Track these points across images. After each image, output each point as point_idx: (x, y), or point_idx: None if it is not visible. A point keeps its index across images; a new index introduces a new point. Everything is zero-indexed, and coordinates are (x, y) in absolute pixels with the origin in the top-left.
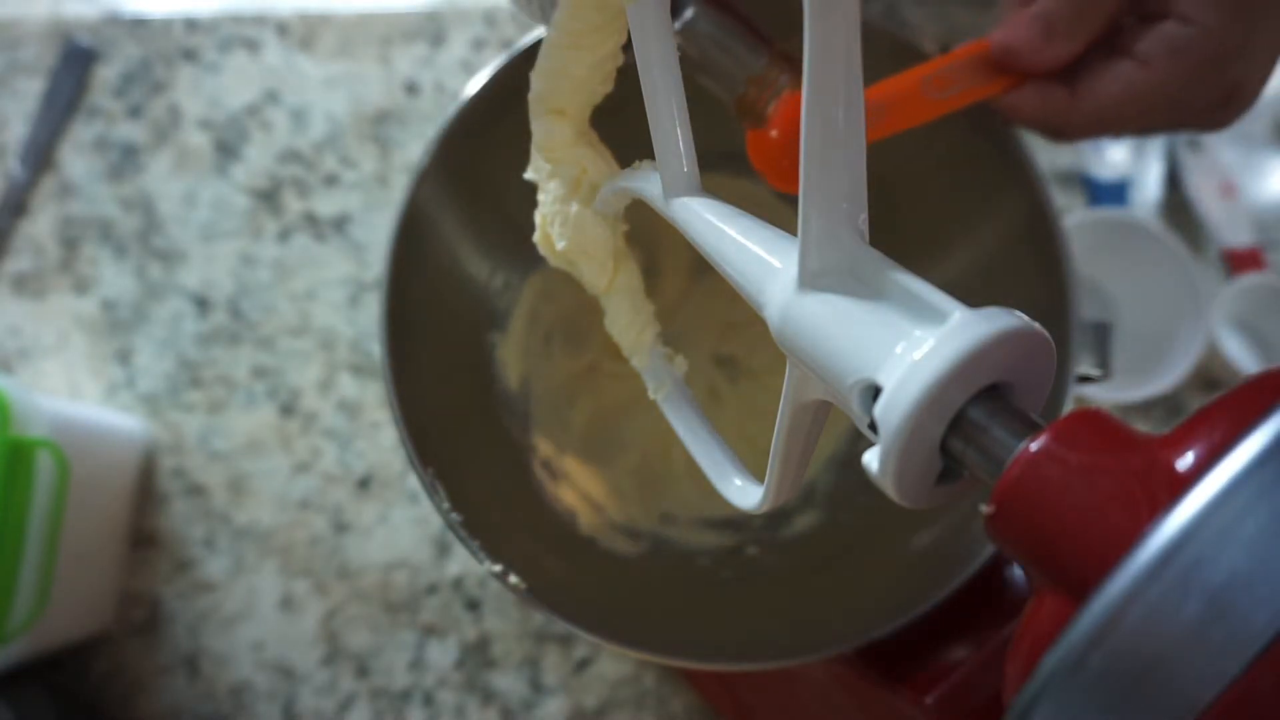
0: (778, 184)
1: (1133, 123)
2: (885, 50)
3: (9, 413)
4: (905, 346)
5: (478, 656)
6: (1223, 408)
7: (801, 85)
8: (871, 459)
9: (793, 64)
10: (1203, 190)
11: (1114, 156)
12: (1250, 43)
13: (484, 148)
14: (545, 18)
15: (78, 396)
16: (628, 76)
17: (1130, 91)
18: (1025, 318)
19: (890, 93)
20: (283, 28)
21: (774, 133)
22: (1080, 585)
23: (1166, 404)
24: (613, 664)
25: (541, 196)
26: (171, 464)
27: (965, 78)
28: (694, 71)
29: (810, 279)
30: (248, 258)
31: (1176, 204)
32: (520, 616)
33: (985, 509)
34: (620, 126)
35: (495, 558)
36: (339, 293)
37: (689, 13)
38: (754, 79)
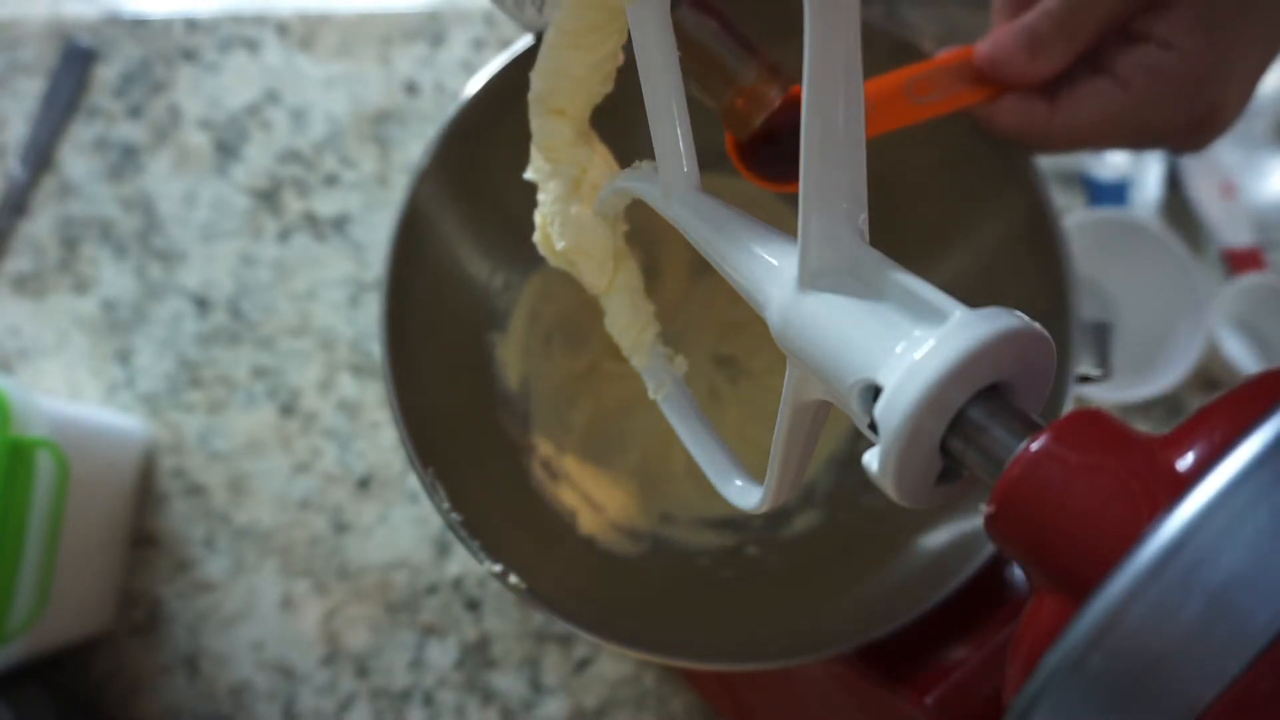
0: (750, 179)
1: (1110, 140)
2: (885, 50)
3: (9, 413)
4: (905, 346)
5: (478, 656)
6: (1223, 408)
7: (789, 97)
8: (871, 459)
9: (780, 76)
10: (1203, 190)
11: (1114, 156)
12: (1227, 68)
13: (484, 148)
14: (527, 22)
15: (78, 396)
16: (627, 76)
17: (1108, 110)
18: (1025, 318)
19: (873, 94)
20: (283, 28)
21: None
22: (1080, 585)
23: (1166, 404)
24: (613, 664)
25: (541, 196)
26: (171, 464)
27: (948, 84)
28: (692, 84)
29: (810, 279)
30: (248, 258)
31: (1176, 204)
32: (520, 616)
33: (985, 509)
34: (620, 126)
35: (495, 558)
36: (339, 293)
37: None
38: (744, 90)
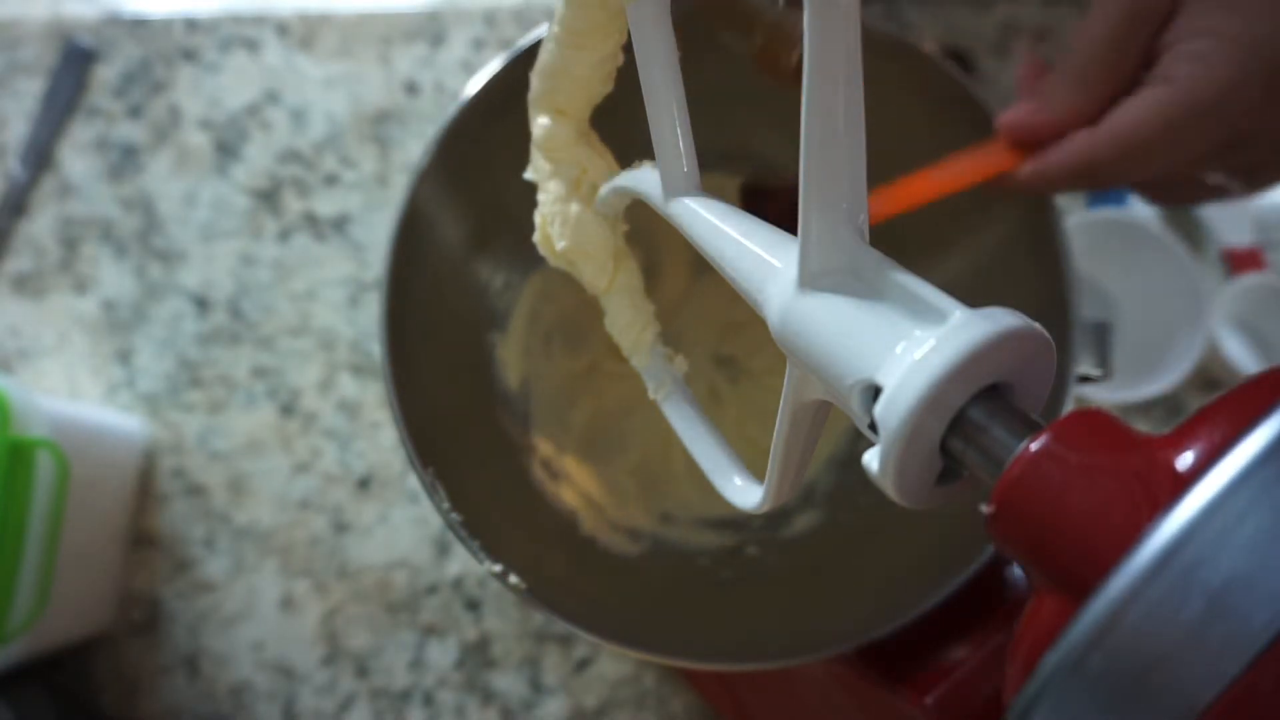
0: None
1: (1168, 150)
2: (885, 50)
3: (9, 413)
4: (905, 346)
5: (478, 656)
6: (1223, 408)
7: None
8: (871, 459)
9: None
10: None
11: None
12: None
13: (484, 148)
14: None
15: (78, 396)
16: (627, 76)
17: (1157, 107)
18: (1025, 318)
19: (902, 194)
20: (283, 28)
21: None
22: (1080, 585)
23: (1166, 404)
24: (613, 664)
25: (541, 196)
26: (171, 464)
27: (976, 159)
28: (719, 27)
29: (810, 279)
30: (248, 258)
31: None
32: (520, 616)
33: (985, 509)
34: (620, 126)
35: (495, 558)
36: (339, 293)
37: None
38: (771, 28)
